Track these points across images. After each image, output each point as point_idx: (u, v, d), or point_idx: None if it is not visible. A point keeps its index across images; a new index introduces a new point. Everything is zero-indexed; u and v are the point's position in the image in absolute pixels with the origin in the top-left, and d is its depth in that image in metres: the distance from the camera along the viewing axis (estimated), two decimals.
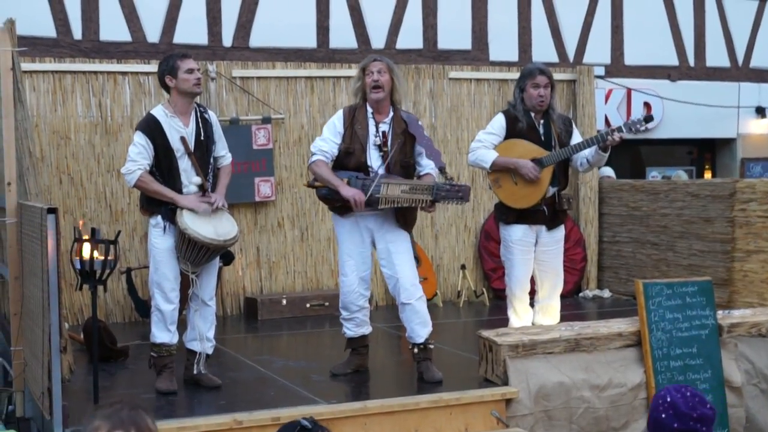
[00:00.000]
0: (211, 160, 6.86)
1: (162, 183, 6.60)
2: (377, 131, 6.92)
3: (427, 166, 7.04)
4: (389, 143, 6.91)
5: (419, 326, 6.99)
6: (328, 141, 6.96)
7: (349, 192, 6.75)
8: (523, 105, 7.47)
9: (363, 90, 6.97)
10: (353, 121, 6.93)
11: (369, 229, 7.01)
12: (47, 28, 9.96)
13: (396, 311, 7.12)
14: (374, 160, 6.91)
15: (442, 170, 6.97)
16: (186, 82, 6.65)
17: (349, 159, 6.93)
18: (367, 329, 7.28)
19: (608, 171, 12.20)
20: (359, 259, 7.05)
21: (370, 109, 6.97)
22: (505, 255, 7.63)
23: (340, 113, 7.06)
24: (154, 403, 6.55)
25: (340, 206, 6.92)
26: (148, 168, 6.58)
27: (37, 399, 6.51)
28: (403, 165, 6.95)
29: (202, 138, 6.75)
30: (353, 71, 10.68)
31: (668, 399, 4.12)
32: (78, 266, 6.13)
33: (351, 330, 7.23)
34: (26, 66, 9.16)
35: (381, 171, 6.86)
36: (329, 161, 6.98)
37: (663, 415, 4.10)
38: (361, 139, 6.90)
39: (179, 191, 6.63)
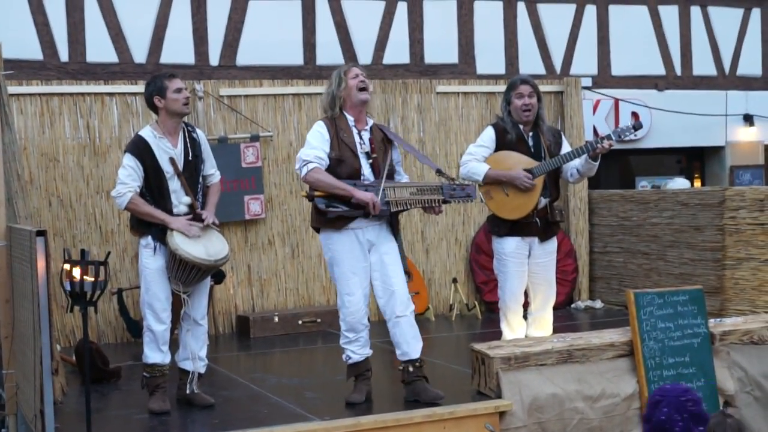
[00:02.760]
0: (200, 180, 6.86)
1: (152, 204, 6.60)
2: (362, 139, 6.73)
3: (404, 175, 6.97)
4: (375, 150, 6.75)
5: (414, 340, 6.79)
6: (318, 149, 6.59)
7: (366, 196, 6.48)
8: (510, 117, 7.48)
9: (341, 99, 6.72)
10: (337, 130, 6.67)
11: (369, 241, 6.73)
12: (34, 51, 9.96)
13: (385, 327, 6.98)
14: (365, 167, 6.70)
15: (440, 172, 6.90)
16: (175, 102, 6.66)
17: (341, 167, 6.60)
18: (369, 350, 6.90)
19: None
20: (363, 274, 6.72)
21: (351, 119, 6.75)
22: (498, 268, 7.59)
23: (321, 123, 6.73)
24: (147, 423, 6.55)
25: (337, 218, 6.58)
26: (138, 190, 6.58)
27: (30, 422, 6.50)
28: (388, 173, 6.76)
29: (190, 158, 6.75)
30: None
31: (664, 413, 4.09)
32: (68, 288, 6.12)
33: (356, 353, 6.80)
34: (13, 89, 9.17)
35: (372, 178, 6.67)
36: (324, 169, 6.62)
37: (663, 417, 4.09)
38: (350, 147, 6.64)
39: (169, 212, 6.62)
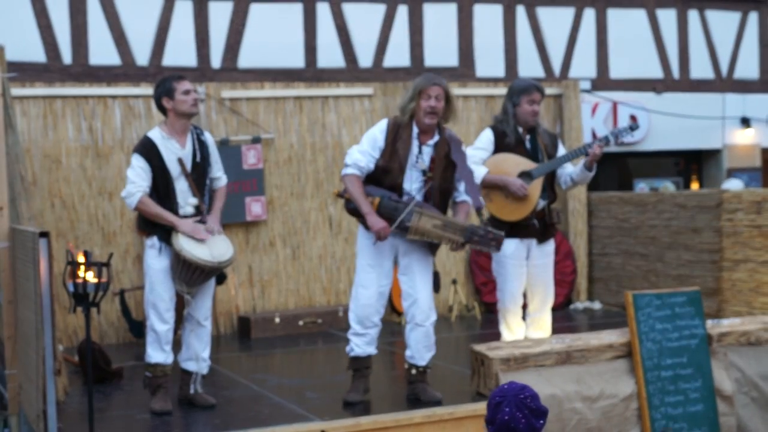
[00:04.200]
0: (207, 182, 6.91)
1: (159, 204, 6.63)
2: (420, 153, 6.65)
3: (464, 192, 6.84)
4: (434, 168, 6.68)
5: (425, 350, 6.86)
6: (365, 154, 6.64)
7: (377, 224, 6.49)
8: (514, 120, 7.50)
9: (413, 110, 6.67)
10: (396, 138, 6.64)
11: (395, 246, 6.75)
12: (37, 54, 10.01)
13: (388, 328, 7.08)
14: (413, 182, 6.66)
15: (479, 211, 6.75)
16: (183, 104, 6.70)
17: (384, 177, 6.64)
18: (374, 349, 6.94)
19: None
20: (381, 271, 6.75)
21: (416, 130, 6.68)
22: (497, 270, 7.63)
23: (383, 125, 6.73)
24: (149, 423, 6.59)
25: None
26: (148, 190, 6.62)
27: (33, 422, 6.53)
28: (442, 190, 6.73)
29: (198, 160, 6.79)
30: (341, 90, 10.87)
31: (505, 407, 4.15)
32: (71, 289, 6.15)
33: (360, 347, 6.84)
34: (16, 91, 9.21)
35: (419, 195, 6.63)
36: (363, 176, 6.66)
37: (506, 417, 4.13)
38: (401, 159, 6.61)
39: (176, 213, 6.67)
